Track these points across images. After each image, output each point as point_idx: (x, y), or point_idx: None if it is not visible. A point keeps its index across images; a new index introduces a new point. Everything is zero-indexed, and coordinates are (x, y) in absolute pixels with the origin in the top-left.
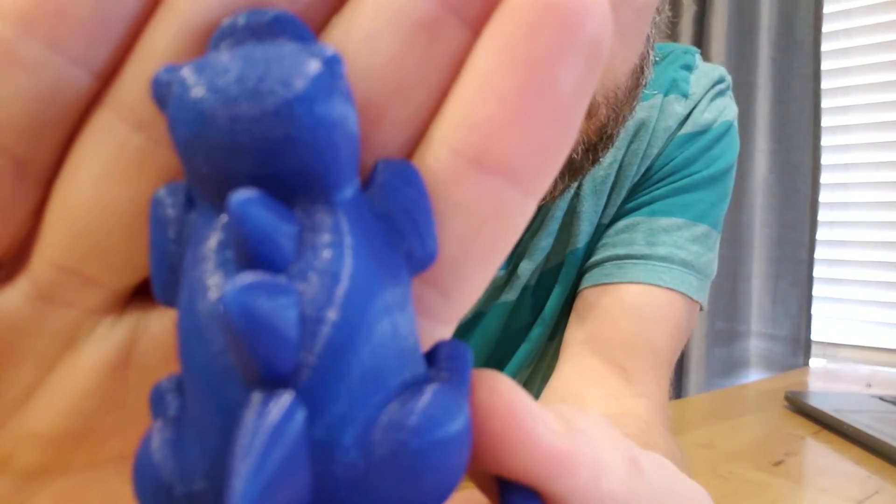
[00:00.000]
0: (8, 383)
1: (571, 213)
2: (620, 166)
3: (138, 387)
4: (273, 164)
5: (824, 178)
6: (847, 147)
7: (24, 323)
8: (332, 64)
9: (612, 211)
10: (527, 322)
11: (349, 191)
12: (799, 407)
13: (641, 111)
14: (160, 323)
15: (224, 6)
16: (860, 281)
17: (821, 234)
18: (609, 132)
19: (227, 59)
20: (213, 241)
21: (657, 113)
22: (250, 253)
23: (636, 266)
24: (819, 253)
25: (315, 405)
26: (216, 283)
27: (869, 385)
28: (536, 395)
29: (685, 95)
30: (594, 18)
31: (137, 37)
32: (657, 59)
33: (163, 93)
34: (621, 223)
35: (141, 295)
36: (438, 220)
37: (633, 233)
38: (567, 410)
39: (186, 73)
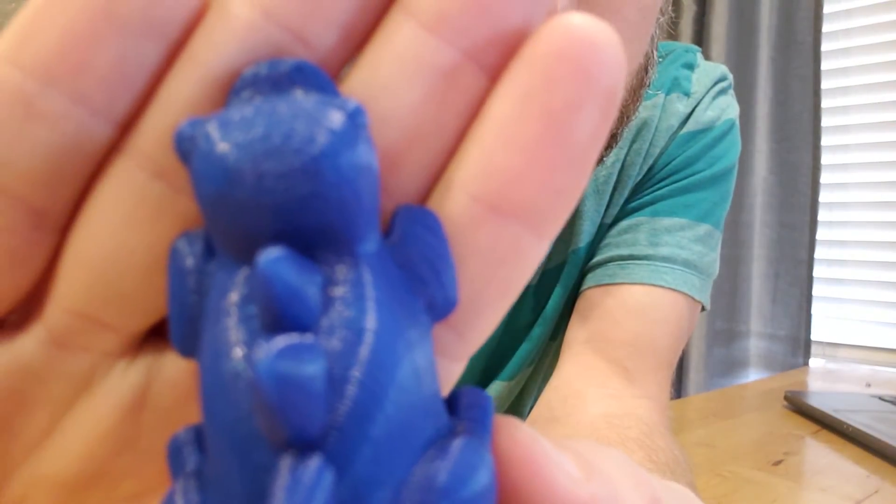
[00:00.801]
0: (23, 427)
1: (574, 214)
2: (622, 166)
3: (153, 428)
4: (298, 220)
5: (824, 178)
6: (847, 147)
7: (38, 368)
8: (356, 116)
9: (614, 211)
10: (528, 321)
11: (371, 241)
12: (798, 407)
13: (643, 110)
14: (174, 364)
15: (244, 56)
16: (860, 281)
17: (820, 234)
18: (613, 131)
19: (251, 113)
20: (234, 295)
21: (659, 112)
22: (278, 312)
23: (639, 266)
24: (819, 253)
25: (342, 467)
26: (241, 342)
27: (868, 385)
28: (537, 395)
29: (687, 94)
30: (610, 69)
31: (157, 86)
32: (660, 57)
33: (186, 147)
34: (624, 223)
35: (154, 337)
36: (456, 264)
37: (636, 233)
38: (588, 450)
39: (211, 128)
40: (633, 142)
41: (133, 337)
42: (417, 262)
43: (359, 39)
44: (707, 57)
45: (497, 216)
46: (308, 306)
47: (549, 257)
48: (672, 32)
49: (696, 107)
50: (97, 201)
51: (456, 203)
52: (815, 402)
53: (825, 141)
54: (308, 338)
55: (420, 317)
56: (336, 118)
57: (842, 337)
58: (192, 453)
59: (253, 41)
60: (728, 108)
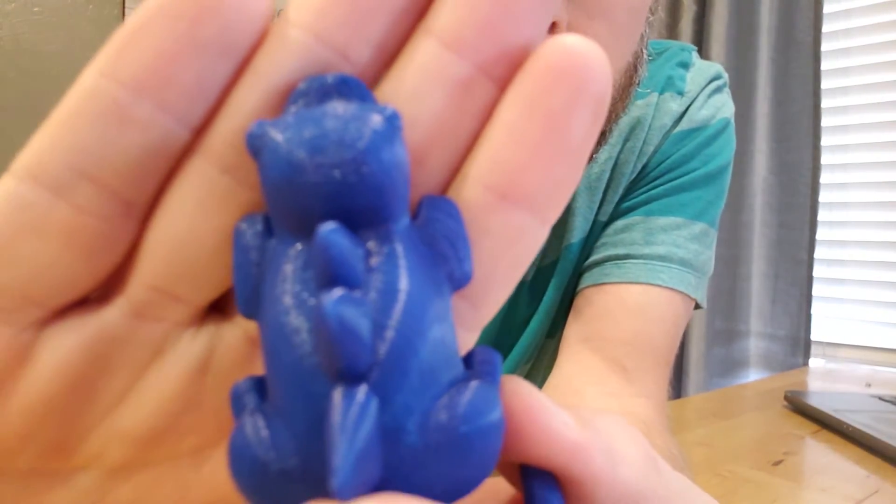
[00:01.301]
0: (104, 389)
1: (567, 210)
2: (616, 163)
3: (214, 389)
4: (347, 202)
5: (824, 178)
6: (846, 147)
7: (120, 336)
8: (393, 120)
9: (609, 208)
10: (524, 316)
11: (403, 221)
12: (798, 406)
13: (637, 109)
14: (232, 333)
15: (299, 70)
16: (860, 281)
17: (820, 234)
18: (603, 129)
19: (309, 116)
20: (292, 264)
21: (653, 111)
22: (333, 272)
23: (636, 266)
24: (818, 253)
25: (383, 396)
26: (303, 299)
27: (868, 385)
28: None
29: (680, 93)
30: (600, 80)
31: (226, 95)
32: (653, 55)
33: (256, 144)
34: (620, 223)
35: (215, 311)
36: (471, 244)
37: (632, 232)
38: (587, 412)
39: (278, 128)
40: (626, 140)
41: (200, 309)
42: (439, 241)
43: (390, 55)
44: (707, 57)
45: (506, 203)
46: (356, 269)
47: (544, 254)
48: (671, 33)
49: (689, 105)
50: (175, 193)
51: (471, 192)
52: (815, 402)
53: (825, 141)
54: (356, 293)
55: (442, 285)
56: (377, 120)
57: (842, 337)
58: (252, 398)
59: (306, 58)
60: (723, 106)
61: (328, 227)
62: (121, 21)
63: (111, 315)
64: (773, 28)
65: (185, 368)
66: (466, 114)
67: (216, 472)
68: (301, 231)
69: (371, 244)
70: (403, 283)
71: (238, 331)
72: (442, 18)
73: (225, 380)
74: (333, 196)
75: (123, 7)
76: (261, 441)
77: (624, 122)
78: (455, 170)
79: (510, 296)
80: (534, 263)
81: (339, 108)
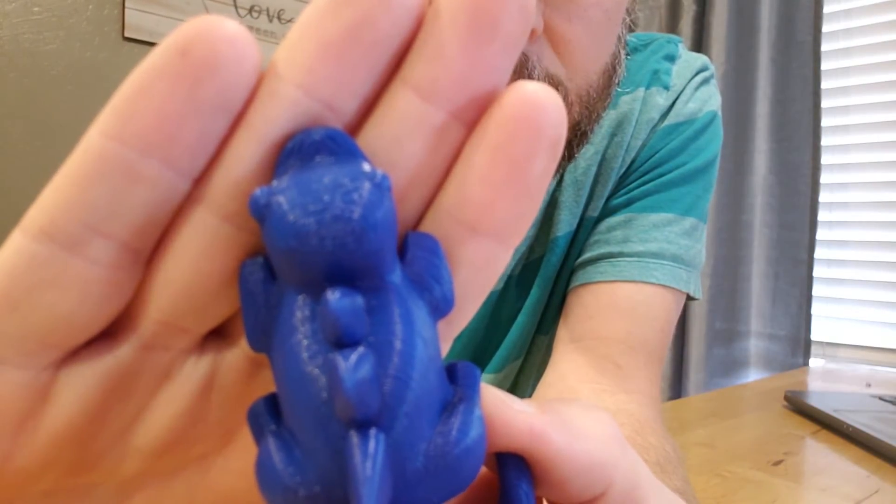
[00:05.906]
0: (119, 414)
1: (553, 204)
2: (603, 158)
3: (218, 403)
4: (347, 264)
5: (824, 178)
6: (847, 147)
7: (133, 367)
8: (384, 183)
9: (598, 203)
10: (512, 312)
11: (393, 269)
12: (798, 406)
13: (624, 104)
14: (232, 355)
15: (290, 123)
16: (860, 281)
17: (820, 234)
18: (583, 129)
19: (308, 185)
20: (300, 314)
21: (639, 105)
22: (341, 333)
23: (629, 263)
24: (818, 253)
25: (388, 434)
26: (315, 353)
27: (868, 385)
28: (531, 391)
29: (666, 87)
30: (555, 124)
31: (223, 148)
32: (639, 47)
33: (261, 211)
34: (612, 220)
35: (214, 335)
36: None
37: (624, 230)
38: (557, 401)
39: (281, 199)
40: (613, 135)
41: (201, 336)
42: (426, 278)
43: (371, 103)
44: (707, 56)
45: (477, 235)
46: (360, 329)
47: (532, 248)
48: (671, 33)
49: (676, 99)
50: (181, 240)
51: (444, 225)
52: (815, 402)
53: (825, 141)
54: (362, 350)
55: (429, 317)
56: (370, 188)
57: (842, 337)
58: (268, 420)
59: (296, 111)
60: (710, 99)
61: (336, 296)
62: (121, 21)
63: (124, 349)
64: (773, 28)
65: (192, 388)
66: (440, 155)
67: (220, 475)
68: (306, 286)
69: (369, 296)
70: (398, 331)
71: (238, 350)
72: (418, 71)
73: (228, 395)
74: (334, 261)
75: (123, 7)
76: (289, 473)
77: (611, 118)
78: (428, 204)
79: (498, 290)
80: (521, 258)
81: (335, 174)
